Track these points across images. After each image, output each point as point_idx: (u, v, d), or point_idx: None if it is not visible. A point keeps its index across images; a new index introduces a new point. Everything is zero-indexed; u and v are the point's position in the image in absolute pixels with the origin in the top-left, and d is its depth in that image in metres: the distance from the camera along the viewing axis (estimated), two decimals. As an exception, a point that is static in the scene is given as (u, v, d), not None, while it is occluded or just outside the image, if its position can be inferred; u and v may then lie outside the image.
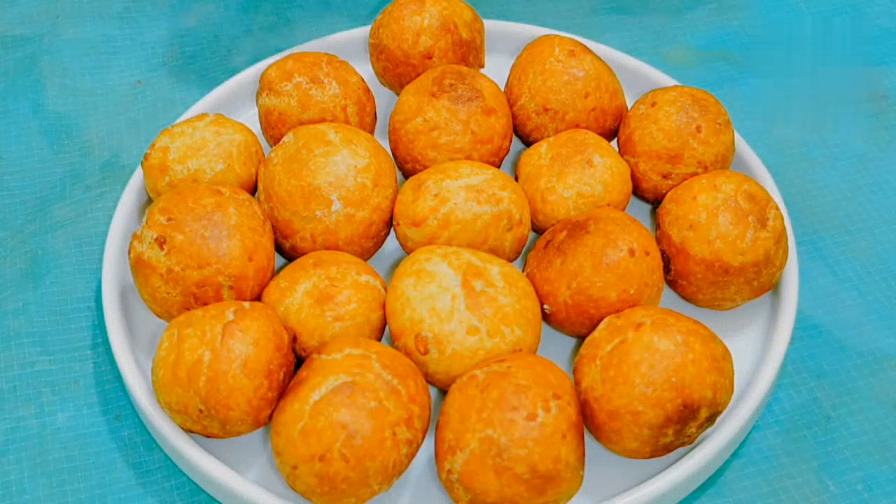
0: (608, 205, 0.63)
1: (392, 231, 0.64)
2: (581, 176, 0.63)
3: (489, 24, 0.78)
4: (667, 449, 0.55)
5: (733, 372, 0.55)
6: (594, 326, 0.58)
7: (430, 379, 0.56)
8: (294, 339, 0.57)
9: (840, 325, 0.65)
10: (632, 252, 0.58)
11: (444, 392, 0.57)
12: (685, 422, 0.53)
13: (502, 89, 0.70)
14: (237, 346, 0.53)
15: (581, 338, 0.60)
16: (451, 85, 0.66)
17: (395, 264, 0.65)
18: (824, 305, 0.66)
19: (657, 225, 0.63)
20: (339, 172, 0.61)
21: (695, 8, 0.86)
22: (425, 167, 0.65)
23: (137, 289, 0.59)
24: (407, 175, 0.67)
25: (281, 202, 0.61)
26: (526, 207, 0.62)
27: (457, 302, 0.55)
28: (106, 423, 0.60)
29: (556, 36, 0.70)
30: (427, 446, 0.56)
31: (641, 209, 0.68)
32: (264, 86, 0.67)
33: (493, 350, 0.55)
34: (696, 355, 0.53)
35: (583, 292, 0.58)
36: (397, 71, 0.70)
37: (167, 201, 0.58)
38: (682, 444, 0.55)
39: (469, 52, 0.70)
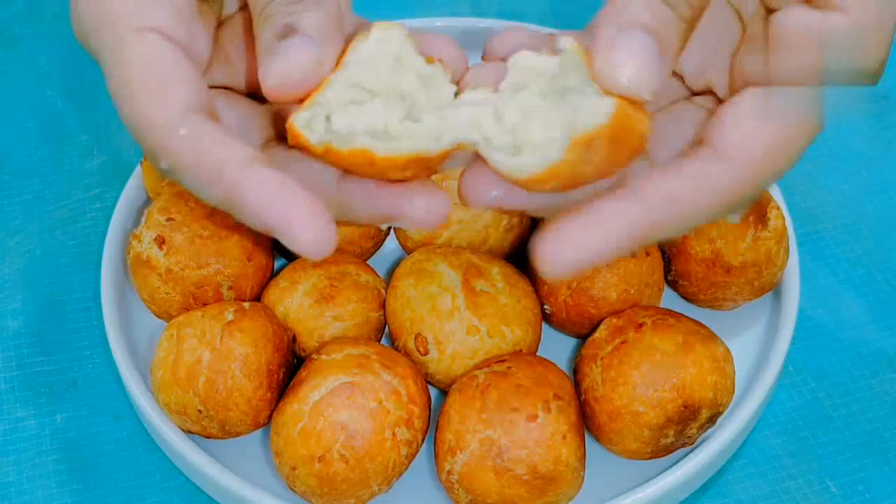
0: (609, 205, 0.63)
1: (392, 231, 0.64)
2: (581, 176, 0.63)
3: (490, 24, 0.78)
4: (667, 450, 0.54)
5: (734, 372, 0.55)
6: (594, 327, 0.57)
7: (430, 379, 0.56)
8: (294, 339, 0.57)
9: (841, 326, 0.65)
10: (632, 252, 0.58)
11: (444, 392, 0.57)
12: (686, 422, 0.53)
13: (502, 89, 0.69)
14: (236, 347, 0.53)
15: (581, 338, 0.60)
16: (451, 84, 0.65)
17: (395, 264, 0.65)
18: (825, 305, 0.65)
19: (658, 225, 0.62)
20: (338, 172, 0.60)
21: (695, 7, 0.86)
22: (425, 167, 0.65)
23: (136, 289, 0.59)
24: (407, 175, 0.67)
25: (280, 202, 0.61)
26: (526, 207, 0.62)
27: (457, 302, 0.55)
28: (105, 423, 0.60)
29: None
30: (427, 447, 0.56)
31: (642, 209, 0.68)
32: (264, 85, 0.67)
33: (493, 350, 0.55)
34: (696, 356, 0.53)
35: (583, 292, 0.58)
36: None
37: (166, 201, 0.58)
38: (683, 445, 0.55)
39: None
